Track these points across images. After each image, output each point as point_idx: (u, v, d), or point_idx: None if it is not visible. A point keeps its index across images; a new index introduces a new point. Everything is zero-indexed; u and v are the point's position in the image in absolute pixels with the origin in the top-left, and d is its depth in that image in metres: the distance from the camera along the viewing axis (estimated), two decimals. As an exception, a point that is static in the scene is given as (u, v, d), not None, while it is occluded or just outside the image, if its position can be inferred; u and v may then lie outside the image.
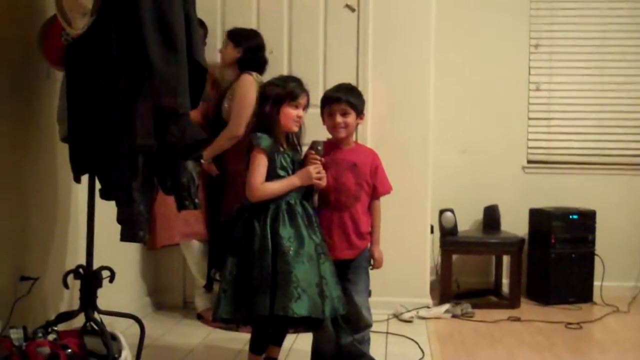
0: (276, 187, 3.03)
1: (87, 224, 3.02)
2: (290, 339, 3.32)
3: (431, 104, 4.73)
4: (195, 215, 4.13)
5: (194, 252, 4.35)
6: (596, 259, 5.14)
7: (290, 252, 2.91)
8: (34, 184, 3.19)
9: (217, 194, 4.22)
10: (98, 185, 2.92)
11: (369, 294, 3.40)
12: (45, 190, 3.30)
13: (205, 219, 4.28)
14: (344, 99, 3.23)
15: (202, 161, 4.16)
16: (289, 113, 3.08)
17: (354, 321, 3.27)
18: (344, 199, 3.24)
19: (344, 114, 3.24)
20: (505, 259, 5.24)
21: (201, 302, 4.41)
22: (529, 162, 5.57)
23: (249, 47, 4.26)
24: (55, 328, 2.88)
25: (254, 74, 4.18)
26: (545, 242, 5.10)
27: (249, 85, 4.11)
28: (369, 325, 3.35)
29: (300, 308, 2.84)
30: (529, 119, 5.58)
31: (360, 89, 4.43)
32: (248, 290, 2.91)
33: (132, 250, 4.32)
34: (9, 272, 3.01)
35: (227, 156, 4.17)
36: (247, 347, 3.21)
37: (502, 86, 5.53)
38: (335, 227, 3.23)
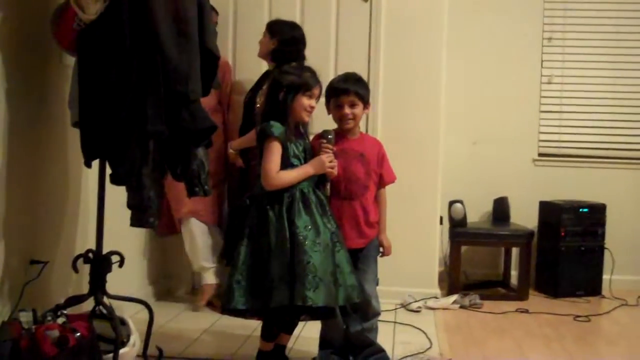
0: (291, 175, 3.02)
1: (97, 209, 3.03)
2: (298, 327, 3.33)
3: (442, 95, 4.73)
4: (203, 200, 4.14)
5: (192, 231, 4.37)
6: (605, 252, 5.13)
7: (308, 241, 2.91)
8: (45, 168, 3.20)
9: (239, 188, 4.23)
10: (109, 171, 2.93)
11: (377, 282, 3.41)
12: (56, 175, 3.31)
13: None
14: (353, 90, 3.23)
15: (230, 150, 4.17)
16: (303, 103, 3.07)
17: (363, 310, 3.27)
18: (354, 188, 3.25)
19: (352, 106, 3.24)
20: (515, 251, 5.24)
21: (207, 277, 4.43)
22: (540, 154, 5.56)
23: (283, 39, 4.18)
24: (65, 312, 2.89)
25: None
26: (555, 234, 5.10)
27: None
28: (377, 314, 3.36)
29: (317, 297, 2.84)
30: (541, 111, 5.56)
31: (371, 80, 4.50)
32: (265, 280, 2.90)
33: (141, 235, 4.34)
34: (20, 256, 3.03)
35: (254, 151, 4.10)
36: (255, 333, 3.23)
37: (514, 78, 5.51)
38: (346, 216, 3.24)
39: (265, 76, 4.31)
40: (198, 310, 4.31)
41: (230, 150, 4.20)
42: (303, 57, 4.22)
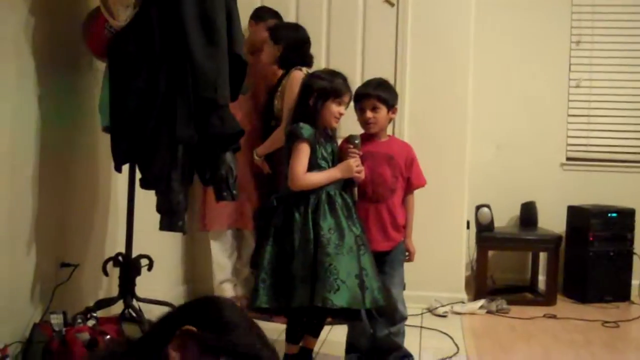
0: (318, 178, 3.04)
1: (127, 213, 3.07)
2: (325, 330, 3.34)
3: (469, 99, 4.71)
4: (237, 205, 4.18)
5: (222, 241, 4.42)
6: (634, 257, 5.07)
7: (331, 244, 2.92)
8: (76, 173, 3.25)
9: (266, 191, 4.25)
10: (138, 175, 2.97)
11: (404, 287, 3.41)
12: (87, 179, 3.36)
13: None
14: (373, 94, 3.24)
15: (256, 157, 4.18)
16: (332, 109, 3.08)
17: (389, 314, 3.28)
18: (381, 190, 3.26)
19: (374, 109, 3.25)
20: (542, 256, 5.21)
21: (226, 291, 4.46)
22: (568, 159, 5.51)
23: (288, 44, 4.13)
24: (95, 314, 2.94)
25: (304, 69, 4.03)
26: (583, 239, 5.05)
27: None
28: (404, 318, 3.37)
29: (339, 299, 2.85)
30: (569, 115, 5.51)
31: (398, 84, 4.48)
32: (288, 280, 2.93)
33: (169, 239, 4.36)
34: (50, 259, 3.07)
35: (278, 155, 4.03)
36: (281, 337, 3.24)
37: (542, 82, 5.47)
38: (372, 219, 3.25)
39: (281, 79, 4.31)
40: None
41: (256, 157, 4.19)
42: (310, 57, 4.20)
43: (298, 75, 3.95)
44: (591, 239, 5.01)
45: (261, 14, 4.35)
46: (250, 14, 4.37)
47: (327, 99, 3.08)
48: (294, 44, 4.14)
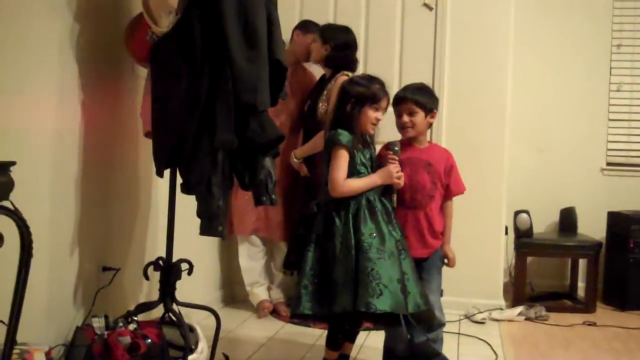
0: (359, 184, 3.04)
1: (168, 218, 3.09)
2: (362, 336, 3.33)
3: (508, 103, 4.67)
4: (259, 212, 4.22)
5: (248, 245, 4.47)
6: (676, 264, 5.00)
7: (372, 248, 2.91)
8: (118, 177, 3.28)
9: (301, 195, 4.27)
10: (179, 180, 2.99)
11: (441, 293, 3.39)
12: (129, 184, 3.39)
13: (285, 217, 4.36)
14: (410, 98, 3.23)
15: (295, 159, 4.20)
16: (369, 115, 3.08)
17: (427, 320, 3.25)
18: (419, 197, 3.24)
19: (411, 114, 3.23)
20: (582, 263, 5.15)
21: (257, 295, 4.51)
22: (608, 164, 5.46)
23: (336, 45, 4.19)
24: (136, 318, 2.96)
25: (350, 74, 4.06)
26: (624, 246, 4.99)
27: None
28: (442, 325, 3.34)
29: (382, 304, 2.84)
30: (609, 120, 5.46)
31: (436, 88, 4.46)
32: (330, 286, 2.93)
33: (208, 243, 4.40)
34: (92, 263, 3.11)
35: (317, 158, 4.09)
36: (320, 342, 3.25)
37: (582, 86, 5.43)
38: (410, 225, 3.24)
39: (321, 81, 4.33)
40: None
41: (295, 159, 4.21)
42: (356, 61, 4.25)
43: (344, 80, 3.93)
44: (631, 245, 4.95)
45: (309, 26, 4.39)
46: (297, 24, 4.41)
47: (364, 104, 3.08)
48: (342, 45, 4.21)
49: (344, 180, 3.02)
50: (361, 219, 2.97)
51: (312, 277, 2.97)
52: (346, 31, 4.26)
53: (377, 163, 3.18)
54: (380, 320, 3.10)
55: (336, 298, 2.89)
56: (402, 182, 3.13)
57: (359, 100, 3.07)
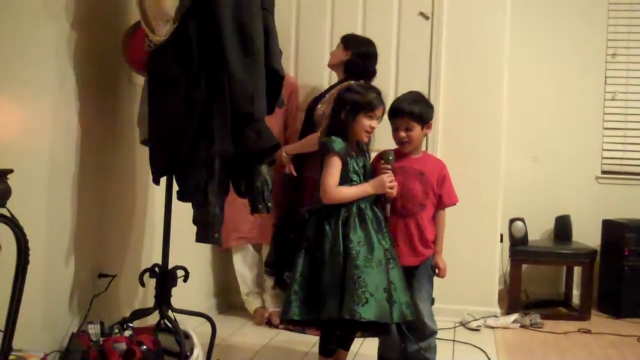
0: (350, 192, 3.06)
1: (164, 225, 3.10)
2: (356, 344, 3.34)
3: (504, 112, 4.69)
4: (252, 220, 4.22)
5: (243, 253, 4.49)
6: (671, 272, 5.01)
7: (360, 256, 2.93)
8: (115, 184, 3.30)
9: (292, 199, 4.26)
10: (175, 187, 3.00)
11: (432, 301, 3.39)
12: (125, 191, 3.40)
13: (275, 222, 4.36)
14: (407, 112, 3.22)
15: (284, 154, 4.18)
16: (364, 123, 3.09)
17: (419, 329, 3.26)
18: (410, 206, 3.25)
19: (407, 129, 3.24)
20: (577, 270, 5.18)
21: (254, 302, 4.52)
22: (603, 172, 5.48)
23: (358, 53, 4.23)
24: (131, 324, 2.97)
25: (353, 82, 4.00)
26: (619, 254, 5.00)
27: None
28: (434, 333, 3.34)
29: (367, 312, 2.85)
30: (604, 128, 5.48)
31: (432, 96, 4.48)
32: (319, 292, 2.95)
33: (203, 250, 4.41)
34: (88, 269, 3.12)
35: (307, 162, 4.14)
36: (314, 349, 3.25)
37: (577, 95, 5.45)
38: (400, 233, 3.25)
39: (333, 87, 4.34)
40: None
41: (284, 154, 4.19)
42: (374, 73, 4.27)
43: (341, 87, 3.95)
44: (626, 253, 4.97)
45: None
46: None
47: (359, 112, 3.09)
48: (363, 54, 4.25)
49: (335, 187, 3.04)
50: (351, 227, 2.99)
51: (302, 283, 2.99)
52: (369, 43, 4.31)
53: (372, 171, 3.19)
54: (368, 329, 3.11)
55: (324, 304, 2.91)
56: (395, 191, 3.14)
57: (354, 108, 3.09)
